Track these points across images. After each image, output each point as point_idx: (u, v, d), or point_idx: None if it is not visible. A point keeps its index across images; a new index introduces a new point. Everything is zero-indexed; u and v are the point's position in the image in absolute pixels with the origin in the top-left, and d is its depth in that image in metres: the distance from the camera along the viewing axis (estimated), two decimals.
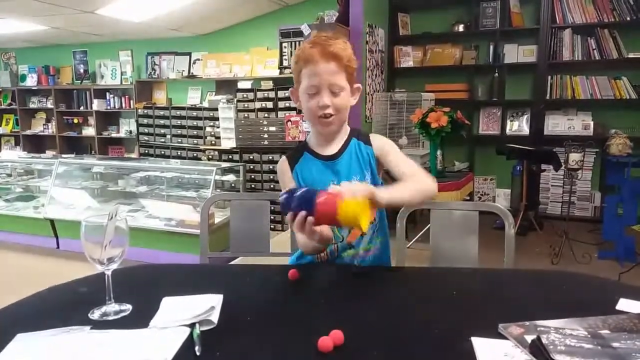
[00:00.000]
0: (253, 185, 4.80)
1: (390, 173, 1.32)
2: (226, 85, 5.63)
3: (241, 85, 5.21)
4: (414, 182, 1.22)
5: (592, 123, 4.48)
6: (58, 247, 4.05)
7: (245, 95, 4.86)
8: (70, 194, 4.23)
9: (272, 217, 1.55)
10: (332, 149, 1.34)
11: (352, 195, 1.01)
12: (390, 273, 1.29)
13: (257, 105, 4.79)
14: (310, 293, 1.11)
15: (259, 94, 4.80)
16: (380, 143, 1.36)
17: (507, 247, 1.48)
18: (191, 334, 0.88)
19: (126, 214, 3.79)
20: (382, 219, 1.38)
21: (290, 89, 1.37)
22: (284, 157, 1.40)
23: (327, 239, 1.17)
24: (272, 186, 4.70)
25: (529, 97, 4.72)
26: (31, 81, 6.90)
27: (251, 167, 4.80)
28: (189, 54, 6.01)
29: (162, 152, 5.58)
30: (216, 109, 5.13)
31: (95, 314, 0.97)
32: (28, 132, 7.07)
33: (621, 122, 4.38)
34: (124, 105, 6.45)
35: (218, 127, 5.16)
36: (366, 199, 1.03)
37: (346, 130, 1.37)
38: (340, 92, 1.25)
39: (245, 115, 4.85)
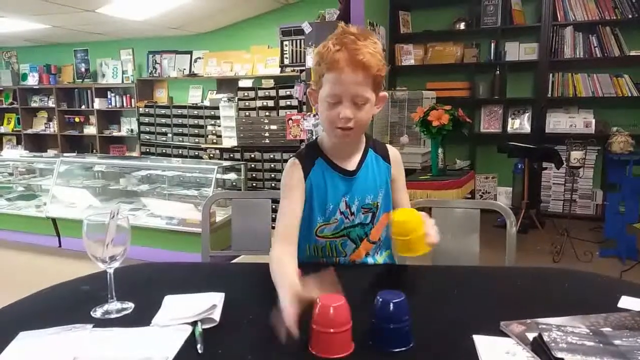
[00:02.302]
0: (254, 184, 4.80)
1: (389, 201, 1.30)
2: (227, 84, 5.64)
3: (242, 83, 5.21)
4: None
5: (593, 121, 4.48)
6: (60, 246, 4.05)
7: (246, 94, 4.86)
8: (71, 192, 4.24)
9: (273, 216, 1.53)
10: (350, 163, 1.24)
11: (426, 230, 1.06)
12: (391, 271, 1.29)
13: (258, 103, 4.79)
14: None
15: (260, 93, 4.80)
16: (398, 162, 1.31)
17: (508, 245, 1.48)
18: (193, 332, 0.88)
19: (128, 213, 3.80)
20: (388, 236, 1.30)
21: (308, 89, 1.24)
22: (295, 159, 1.24)
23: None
24: (273, 185, 4.71)
25: (530, 95, 4.72)
26: (32, 80, 6.90)
27: (252, 165, 4.80)
28: (190, 53, 6.01)
29: (164, 151, 5.58)
30: (217, 108, 5.13)
31: (98, 312, 0.98)
32: (29, 131, 7.08)
33: (623, 119, 4.37)
34: (125, 104, 6.46)
35: (219, 126, 5.16)
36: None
37: (363, 138, 1.28)
38: (364, 104, 1.13)
39: (247, 113, 4.85)
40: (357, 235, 1.26)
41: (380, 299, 0.85)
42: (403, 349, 0.83)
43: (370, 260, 1.30)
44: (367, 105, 1.14)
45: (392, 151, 1.32)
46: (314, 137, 3.75)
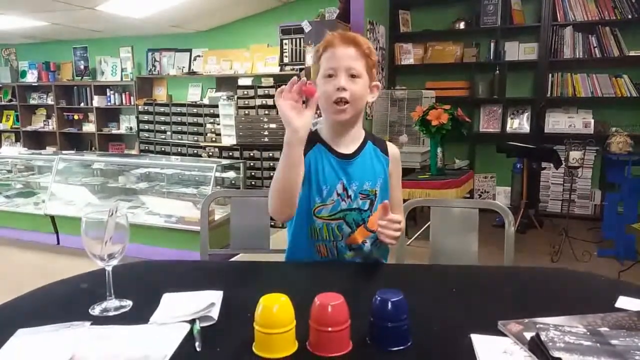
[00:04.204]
0: (253, 182, 4.80)
1: (387, 191, 1.34)
2: (226, 82, 5.63)
3: (241, 82, 5.21)
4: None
5: (592, 121, 4.48)
6: (58, 244, 4.05)
7: (245, 92, 4.86)
8: (70, 190, 4.23)
9: None
10: (347, 148, 1.31)
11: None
12: (390, 270, 1.29)
13: (258, 102, 4.79)
14: (310, 289, 1.11)
15: (260, 91, 4.80)
16: (396, 157, 1.37)
17: (507, 244, 1.48)
18: (191, 330, 0.88)
19: (126, 211, 3.79)
20: None
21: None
22: None
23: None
24: None
25: (529, 94, 4.72)
26: (31, 77, 6.89)
27: (251, 164, 4.80)
28: (190, 51, 6.01)
29: (163, 149, 5.58)
30: (216, 106, 5.13)
31: (96, 310, 0.98)
32: (28, 128, 7.07)
33: (622, 120, 4.38)
34: (124, 101, 6.45)
35: (218, 124, 5.16)
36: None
37: (361, 131, 1.35)
38: (358, 77, 1.23)
39: (246, 112, 4.85)
40: (354, 219, 1.29)
41: (379, 298, 0.85)
42: (401, 347, 0.83)
43: (367, 247, 1.31)
44: (361, 81, 1.24)
45: (391, 146, 1.38)
46: None
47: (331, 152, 1.30)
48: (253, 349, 0.82)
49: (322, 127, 1.34)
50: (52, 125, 6.91)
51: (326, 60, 1.25)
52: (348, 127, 1.30)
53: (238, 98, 4.90)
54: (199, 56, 5.94)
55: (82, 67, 6.69)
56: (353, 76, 1.23)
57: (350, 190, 1.28)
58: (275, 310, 0.81)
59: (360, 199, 1.28)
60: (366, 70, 1.25)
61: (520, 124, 4.80)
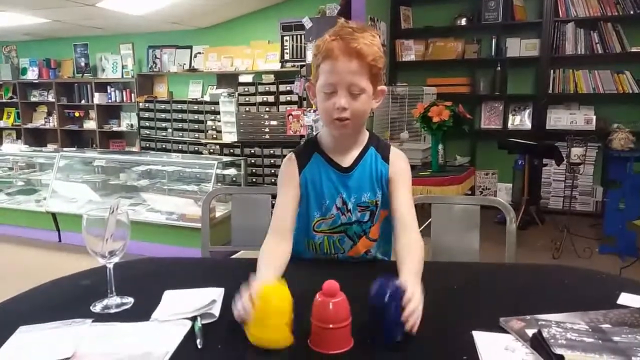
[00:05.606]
0: (254, 179, 4.80)
1: (388, 199, 1.23)
2: (227, 79, 5.62)
3: (242, 78, 5.20)
4: (418, 251, 1.13)
5: (594, 117, 4.47)
6: (60, 241, 4.06)
7: (246, 89, 4.85)
8: (71, 187, 4.24)
9: (273, 211, 1.52)
10: (347, 159, 1.22)
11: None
12: (392, 267, 1.29)
13: (259, 99, 4.78)
14: (310, 287, 1.10)
15: (260, 88, 4.79)
16: (399, 167, 1.23)
17: (508, 241, 1.48)
18: (192, 327, 0.88)
19: (127, 208, 3.80)
20: (386, 232, 1.28)
21: (307, 83, 1.23)
22: (292, 154, 1.24)
23: None
24: (273, 180, 4.70)
25: (531, 91, 4.70)
26: (32, 74, 6.89)
27: (252, 161, 4.80)
28: (190, 48, 5.99)
29: (163, 146, 5.57)
30: (217, 103, 5.12)
31: (97, 307, 0.98)
32: (29, 125, 7.07)
33: (623, 116, 4.36)
34: (125, 98, 6.44)
35: (219, 121, 5.15)
36: None
37: (364, 135, 1.25)
38: (360, 94, 1.11)
39: (247, 109, 4.84)
40: (355, 232, 1.24)
41: (377, 285, 0.86)
42: (402, 344, 0.83)
43: (370, 256, 1.29)
44: (364, 96, 1.13)
45: (394, 152, 1.26)
46: (314, 133, 3.74)
47: (330, 163, 1.22)
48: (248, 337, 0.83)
49: (323, 133, 1.27)
50: (53, 122, 6.91)
51: (325, 72, 1.12)
52: (349, 136, 1.22)
53: (239, 95, 4.89)
54: (199, 53, 5.93)
55: (82, 64, 6.68)
56: (355, 93, 1.11)
57: (350, 203, 1.22)
58: (268, 298, 0.83)
59: (359, 211, 1.22)
60: (370, 80, 1.13)
61: (521, 120, 4.79)
